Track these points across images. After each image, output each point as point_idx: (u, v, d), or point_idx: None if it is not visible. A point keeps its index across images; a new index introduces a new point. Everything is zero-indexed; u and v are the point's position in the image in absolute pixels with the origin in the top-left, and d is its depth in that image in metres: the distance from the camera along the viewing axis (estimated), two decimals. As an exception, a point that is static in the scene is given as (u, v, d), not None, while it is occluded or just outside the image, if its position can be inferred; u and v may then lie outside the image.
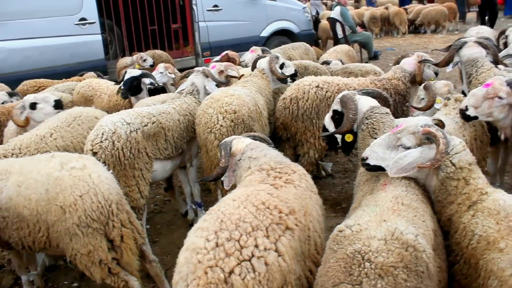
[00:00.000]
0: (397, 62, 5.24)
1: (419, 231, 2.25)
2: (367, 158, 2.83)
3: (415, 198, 2.58)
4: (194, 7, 10.01)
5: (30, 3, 8.34)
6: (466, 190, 2.60)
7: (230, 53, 7.19)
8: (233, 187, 3.03)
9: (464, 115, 3.62)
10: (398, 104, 4.80)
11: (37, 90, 6.80)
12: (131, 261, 3.39)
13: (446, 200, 2.66)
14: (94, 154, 3.75)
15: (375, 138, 3.03)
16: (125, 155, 3.84)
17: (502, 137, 3.81)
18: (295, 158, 4.87)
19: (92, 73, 7.61)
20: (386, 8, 18.81)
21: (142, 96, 5.68)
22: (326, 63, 6.90)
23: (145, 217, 4.32)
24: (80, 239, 3.15)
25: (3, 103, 5.68)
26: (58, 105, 4.78)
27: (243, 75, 5.47)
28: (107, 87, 6.34)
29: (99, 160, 3.59)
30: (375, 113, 3.30)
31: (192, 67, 7.41)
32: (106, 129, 3.84)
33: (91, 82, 6.53)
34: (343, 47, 8.95)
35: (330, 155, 6.57)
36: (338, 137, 3.51)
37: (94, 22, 8.83)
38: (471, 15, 21.39)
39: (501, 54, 5.14)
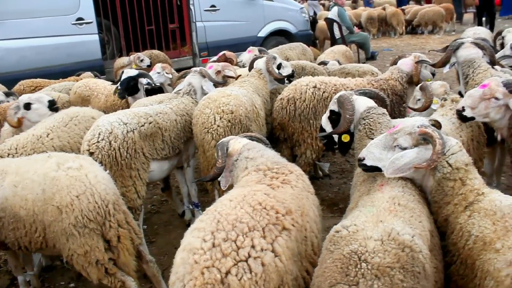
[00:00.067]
0: (394, 63, 5.25)
1: (415, 231, 2.25)
2: (364, 159, 2.83)
3: (411, 198, 2.59)
4: (192, 7, 10.01)
5: (27, 3, 8.34)
6: (462, 190, 2.60)
7: (228, 53, 7.19)
8: (230, 187, 3.03)
9: (461, 116, 3.62)
10: (395, 104, 4.81)
11: (34, 90, 6.79)
12: (128, 261, 3.38)
13: (442, 201, 2.67)
14: (91, 154, 3.75)
15: (372, 139, 3.03)
16: (122, 155, 3.84)
17: (499, 137, 3.82)
18: (292, 159, 4.87)
19: (89, 73, 7.60)
20: (384, 9, 18.84)
21: (139, 96, 5.68)
22: (323, 63, 6.90)
23: (142, 218, 4.31)
24: (77, 240, 3.14)
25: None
26: (52, 105, 4.75)
27: (240, 75, 5.47)
28: (104, 87, 6.33)
29: (95, 160, 3.59)
30: (372, 113, 3.30)
31: (190, 67, 7.38)
32: (103, 129, 3.83)
33: (88, 82, 6.52)
34: (340, 48, 8.96)
35: (327, 155, 6.58)
36: (335, 137, 3.52)
37: (91, 22, 8.83)
38: (468, 16, 21.45)
39: (497, 55, 5.15)
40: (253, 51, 6.81)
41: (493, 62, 4.43)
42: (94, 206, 3.15)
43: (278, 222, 2.31)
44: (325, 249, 2.23)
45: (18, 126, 4.69)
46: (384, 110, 3.38)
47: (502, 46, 6.41)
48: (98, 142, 3.78)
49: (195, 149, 4.80)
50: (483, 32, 7.82)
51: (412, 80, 4.94)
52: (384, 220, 2.27)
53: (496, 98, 3.47)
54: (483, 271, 2.26)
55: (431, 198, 2.74)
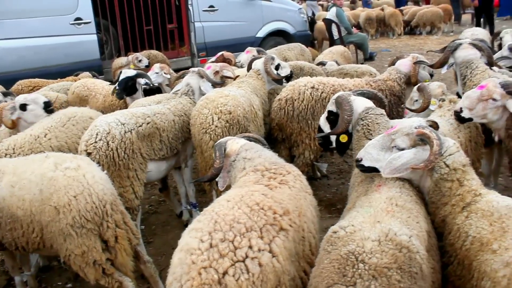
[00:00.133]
0: (392, 63, 5.26)
1: (413, 232, 2.25)
2: (361, 160, 2.84)
3: (409, 199, 2.59)
4: (190, 8, 9.99)
5: (25, 3, 8.32)
6: (460, 191, 2.61)
7: (226, 53, 7.19)
8: (228, 187, 3.02)
9: (459, 117, 3.63)
10: (393, 105, 4.81)
11: (32, 90, 6.78)
12: (125, 261, 3.38)
13: (440, 202, 2.67)
14: (89, 154, 3.74)
15: (370, 139, 3.03)
16: (120, 155, 3.83)
17: (496, 138, 3.83)
18: (291, 159, 4.87)
19: (87, 73, 7.59)
20: (382, 9, 18.86)
21: (137, 97, 5.67)
22: (322, 64, 6.91)
23: (139, 218, 4.31)
24: (74, 240, 3.13)
25: (-3, 103, 5.65)
26: (47, 106, 4.73)
27: (238, 75, 5.47)
28: (102, 87, 6.32)
29: (93, 161, 3.58)
30: (370, 114, 3.30)
31: (188, 68, 7.39)
32: (100, 130, 3.83)
33: (86, 82, 6.51)
34: (339, 48, 8.96)
35: (325, 156, 6.58)
36: (333, 137, 3.52)
37: (89, 22, 8.81)
38: (466, 17, 21.49)
39: (495, 56, 5.16)
40: (251, 51, 6.82)
41: (490, 63, 4.44)
42: (91, 206, 3.14)
43: (275, 222, 2.31)
44: (322, 250, 2.23)
45: (13, 128, 4.68)
46: (382, 111, 3.38)
47: (500, 47, 6.42)
48: (95, 142, 3.77)
49: (193, 150, 4.80)
50: (481, 33, 7.83)
51: (410, 81, 4.95)
52: (381, 221, 2.27)
53: (494, 99, 3.47)
54: (480, 272, 2.26)
55: (429, 198, 2.74)
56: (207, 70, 5.26)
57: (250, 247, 2.12)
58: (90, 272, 3.23)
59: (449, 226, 2.58)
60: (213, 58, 7.22)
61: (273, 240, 2.22)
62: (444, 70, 4.62)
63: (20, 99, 4.76)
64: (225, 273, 2.02)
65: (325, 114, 3.64)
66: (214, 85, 5.13)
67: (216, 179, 3.20)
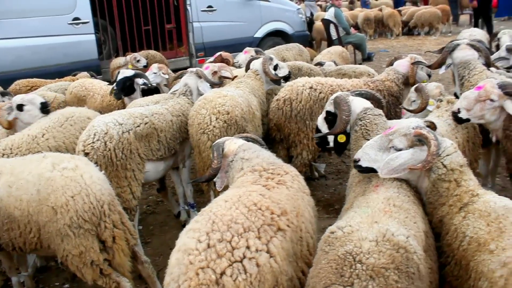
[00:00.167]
0: (391, 64, 5.27)
1: (410, 232, 2.26)
2: (359, 160, 2.84)
3: (406, 199, 2.59)
4: (188, 8, 10.00)
5: (23, 2, 8.31)
6: (457, 192, 2.61)
7: (224, 54, 7.19)
8: (226, 188, 3.02)
9: (457, 118, 3.63)
10: (391, 105, 4.82)
11: (30, 90, 6.77)
12: (123, 262, 3.37)
13: (437, 202, 2.67)
14: (86, 154, 3.74)
15: (368, 140, 3.04)
16: (117, 156, 3.83)
17: (494, 139, 3.83)
18: (289, 159, 4.88)
19: (85, 73, 7.58)
20: (380, 10, 18.86)
21: (135, 97, 5.67)
22: (320, 64, 6.91)
23: (137, 218, 4.30)
24: (72, 240, 3.13)
25: (-5, 102, 5.64)
26: (44, 107, 4.72)
27: (236, 76, 5.47)
28: (100, 87, 6.32)
29: (91, 161, 3.57)
30: (369, 114, 3.30)
31: (186, 68, 7.38)
32: (98, 130, 3.82)
33: (84, 82, 6.51)
34: (337, 49, 8.97)
35: (323, 156, 6.58)
36: (331, 138, 3.52)
37: (87, 22, 8.80)
38: (464, 18, 21.52)
39: (493, 57, 5.17)
40: (249, 51, 6.83)
41: (488, 64, 4.45)
42: (89, 206, 3.14)
43: (273, 222, 2.31)
44: (320, 250, 2.24)
45: (9, 128, 4.67)
46: (380, 111, 3.38)
47: (498, 48, 6.43)
48: (93, 142, 3.77)
49: (190, 150, 4.80)
50: (479, 33, 7.84)
51: (408, 81, 4.95)
52: (379, 221, 2.27)
53: (491, 100, 3.48)
54: (477, 272, 2.27)
55: (426, 199, 2.74)
56: (205, 70, 5.27)
57: (248, 247, 2.12)
58: (88, 273, 3.22)
59: (447, 227, 2.59)
60: (211, 58, 7.22)
61: (270, 240, 2.22)
62: (442, 70, 4.63)
63: (17, 99, 4.74)
64: (222, 273, 2.02)
65: (323, 114, 3.63)
66: (212, 85, 5.13)
67: (214, 180, 3.20)
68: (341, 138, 3.42)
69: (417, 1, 25.08)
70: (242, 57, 6.94)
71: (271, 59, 5.28)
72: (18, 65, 8.12)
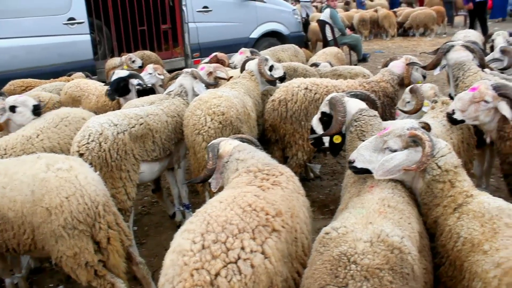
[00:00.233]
0: (386, 65, 5.28)
1: (404, 233, 2.26)
2: (354, 161, 2.84)
3: (401, 200, 2.60)
4: (184, 8, 9.97)
5: (18, 2, 8.27)
6: (451, 192, 2.62)
7: (219, 54, 7.19)
8: (221, 188, 3.02)
9: (451, 119, 3.65)
10: (386, 106, 4.83)
11: (24, 90, 6.74)
12: (117, 263, 3.36)
13: (432, 203, 2.68)
14: (81, 155, 3.72)
15: (363, 140, 3.04)
16: (112, 156, 3.82)
17: (488, 140, 3.85)
18: (284, 160, 4.88)
19: (80, 74, 7.55)
20: (376, 11, 18.93)
21: (130, 97, 5.65)
22: (315, 65, 6.92)
23: (132, 219, 4.29)
24: (66, 241, 3.11)
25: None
26: (36, 110, 4.69)
27: (232, 76, 5.47)
28: (95, 88, 6.29)
29: (85, 162, 3.56)
30: (364, 115, 3.31)
31: (181, 68, 7.37)
32: (93, 131, 3.81)
33: (79, 82, 6.48)
34: (332, 49, 8.99)
35: (318, 157, 6.59)
36: (326, 139, 3.52)
37: (82, 22, 8.76)
38: (459, 19, 21.61)
39: (487, 58, 5.20)
40: (245, 52, 6.83)
41: (482, 65, 4.47)
42: (84, 207, 3.12)
43: (268, 223, 2.31)
44: (314, 251, 2.24)
45: (1, 130, 4.65)
46: (376, 112, 3.39)
47: (492, 49, 6.47)
48: (88, 143, 3.76)
49: (186, 151, 4.79)
50: (473, 35, 7.89)
51: (403, 82, 4.97)
52: (373, 222, 2.28)
53: (486, 101, 3.49)
54: (471, 273, 2.27)
55: (421, 200, 2.75)
56: (200, 71, 5.26)
57: (243, 248, 2.12)
58: (82, 274, 3.21)
59: (441, 227, 2.60)
60: (207, 59, 7.21)
61: (265, 241, 2.22)
62: (436, 71, 4.65)
63: (10, 100, 4.72)
64: (217, 274, 2.02)
65: (318, 115, 3.64)
66: (208, 86, 5.12)
67: (209, 180, 3.19)
68: (337, 139, 3.43)
69: (412, 2, 25.20)
70: (237, 57, 6.93)
71: (266, 60, 5.28)
72: (13, 65, 8.07)
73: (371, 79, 5.08)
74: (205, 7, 10.33)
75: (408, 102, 4.35)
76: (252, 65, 5.24)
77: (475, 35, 8.07)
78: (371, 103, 3.68)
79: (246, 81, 5.09)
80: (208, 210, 2.31)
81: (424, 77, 5.14)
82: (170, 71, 7.52)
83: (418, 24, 18.27)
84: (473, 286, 2.24)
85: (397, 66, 5.03)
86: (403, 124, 2.85)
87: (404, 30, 19.12)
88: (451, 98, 4.32)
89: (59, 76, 7.57)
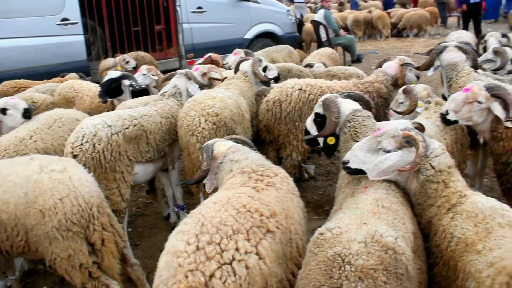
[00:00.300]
0: (380, 66, 5.30)
1: (399, 233, 2.27)
2: (348, 162, 2.85)
3: (395, 200, 2.61)
4: (178, 9, 9.96)
5: (11, 2, 8.22)
6: (445, 193, 2.63)
7: (213, 55, 7.18)
8: (215, 190, 3.02)
9: (445, 120, 3.67)
10: (380, 107, 4.84)
11: (17, 91, 6.70)
12: (112, 264, 3.35)
13: (426, 203, 2.69)
14: (75, 156, 3.71)
15: (357, 141, 3.05)
16: (106, 158, 3.80)
17: (481, 140, 3.88)
18: (278, 161, 4.88)
19: (74, 74, 7.52)
20: (369, 12, 18.99)
21: (124, 98, 5.63)
22: (309, 66, 6.93)
23: (126, 220, 4.28)
24: (60, 243, 3.10)
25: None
26: (26, 113, 4.65)
27: (226, 77, 5.47)
28: (89, 89, 6.27)
29: (79, 163, 3.55)
30: (357, 116, 3.31)
31: (176, 69, 7.35)
32: (86, 132, 3.80)
33: (73, 83, 6.45)
34: (326, 50, 9.01)
35: (312, 157, 6.60)
36: (320, 140, 3.53)
37: (76, 23, 8.73)
38: (452, 20, 21.74)
39: (480, 59, 5.23)
40: (239, 53, 6.83)
41: (475, 66, 4.50)
42: (78, 209, 3.11)
43: (262, 224, 2.31)
44: (309, 252, 2.24)
45: None
46: (369, 113, 3.40)
47: (485, 50, 6.51)
48: (82, 144, 3.74)
49: (180, 152, 4.78)
50: (466, 36, 7.94)
51: (397, 83, 4.98)
52: (367, 222, 2.28)
53: (479, 102, 3.52)
54: (465, 272, 2.28)
55: (415, 200, 2.76)
56: (194, 72, 5.26)
57: (237, 249, 2.12)
58: (76, 276, 3.19)
59: (435, 227, 2.61)
60: (201, 60, 7.20)
61: (260, 242, 2.22)
62: (430, 72, 4.67)
63: (1, 103, 4.70)
64: (212, 275, 2.01)
65: (312, 116, 3.64)
66: (202, 87, 5.12)
67: (203, 181, 3.19)
68: (331, 141, 3.43)
69: (406, 3, 25.29)
70: (231, 58, 6.93)
71: (260, 60, 5.28)
72: (6, 65, 8.02)
73: (365, 80, 5.09)
74: (199, 7, 10.32)
75: (402, 102, 4.37)
76: (246, 66, 5.24)
77: (468, 36, 8.12)
78: (365, 104, 3.68)
79: (240, 82, 5.08)
80: (203, 211, 2.31)
81: (417, 77, 5.16)
82: (164, 72, 7.51)
83: (411, 25, 18.36)
84: (467, 286, 2.25)
85: (391, 67, 5.05)
86: (397, 124, 2.86)
87: (398, 31, 19.20)
88: (445, 98, 4.34)
89: (52, 77, 7.53)
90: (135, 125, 4.12)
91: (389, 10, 20.80)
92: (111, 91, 5.59)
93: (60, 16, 8.57)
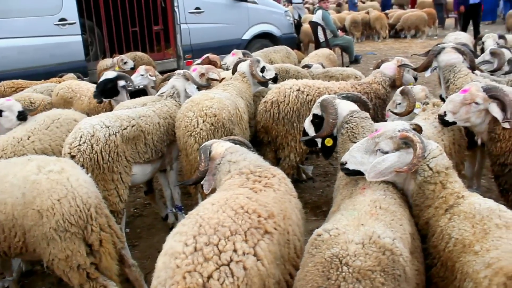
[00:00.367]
0: (377, 67, 5.31)
1: (396, 234, 2.27)
2: (346, 163, 2.85)
3: (393, 202, 2.61)
4: (176, 9, 9.96)
5: (9, 2, 8.21)
6: (443, 194, 2.64)
7: (211, 56, 7.19)
8: (213, 190, 3.02)
9: (443, 121, 3.68)
10: (378, 108, 4.85)
11: (15, 91, 6.69)
12: (110, 265, 3.34)
13: (423, 204, 2.70)
14: (72, 157, 3.70)
15: (355, 142, 3.06)
16: (104, 158, 3.80)
17: (479, 141, 3.89)
18: (276, 162, 4.88)
19: (71, 75, 7.51)
20: (367, 13, 19.02)
21: (121, 99, 5.63)
22: (307, 66, 6.93)
23: (124, 221, 4.27)
24: (58, 244, 3.09)
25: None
26: (21, 116, 4.63)
27: (224, 78, 5.47)
28: (87, 89, 6.25)
29: (77, 164, 3.54)
30: (355, 117, 3.32)
31: (174, 70, 7.37)
32: (84, 132, 3.80)
33: (71, 83, 6.44)
34: (324, 51, 9.01)
35: (310, 158, 6.60)
36: (318, 141, 3.53)
37: (74, 23, 8.72)
38: (450, 21, 21.79)
39: (477, 60, 5.25)
40: (237, 54, 6.82)
41: (473, 67, 4.51)
42: (75, 210, 3.10)
43: (260, 225, 2.31)
44: (306, 253, 2.24)
45: None
46: (367, 114, 3.40)
47: (483, 51, 6.53)
48: (79, 145, 3.74)
49: (178, 152, 4.78)
50: (464, 37, 7.97)
51: (394, 84, 4.99)
52: (365, 224, 2.29)
53: (477, 103, 3.53)
54: (462, 273, 2.29)
55: (412, 201, 2.77)
56: (192, 73, 5.26)
57: (235, 250, 2.11)
58: (74, 277, 3.19)
59: (433, 228, 2.61)
60: (199, 60, 7.21)
61: (257, 243, 2.22)
62: (428, 73, 4.68)
63: None
64: (209, 277, 2.01)
65: (310, 117, 3.65)
66: (200, 87, 5.12)
67: (201, 182, 3.19)
68: (328, 142, 3.43)
69: (404, 4, 25.34)
70: (229, 59, 6.93)
71: (258, 61, 5.29)
72: (4, 65, 8.01)
73: (363, 81, 5.10)
74: (197, 8, 10.32)
75: (399, 104, 4.37)
76: (244, 67, 5.24)
77: (466, 37, 8.15)
78: (363, 105, 3.69)
79: (238, 82, 5.09)
80: (200, 212, 2.31)
81: (415, 79, 5.17)
82: (162, 73, 7.50)
83: (409, 26, 18.40)
84: (464, 287, 2.25)
85: (389, 68, 5.06)
86: (395, 126, 2.87)
87: (396, 32, 19.23)
88: (442, 100, 4.35)
89: (50, 77, 7.51)
90: (133, 126, 4.11)
91: (387, 11, 20.84)
92: (107, 92, 5.58)
93: (58, 16, 8.56)
